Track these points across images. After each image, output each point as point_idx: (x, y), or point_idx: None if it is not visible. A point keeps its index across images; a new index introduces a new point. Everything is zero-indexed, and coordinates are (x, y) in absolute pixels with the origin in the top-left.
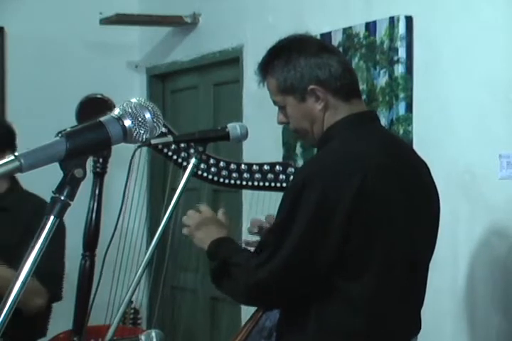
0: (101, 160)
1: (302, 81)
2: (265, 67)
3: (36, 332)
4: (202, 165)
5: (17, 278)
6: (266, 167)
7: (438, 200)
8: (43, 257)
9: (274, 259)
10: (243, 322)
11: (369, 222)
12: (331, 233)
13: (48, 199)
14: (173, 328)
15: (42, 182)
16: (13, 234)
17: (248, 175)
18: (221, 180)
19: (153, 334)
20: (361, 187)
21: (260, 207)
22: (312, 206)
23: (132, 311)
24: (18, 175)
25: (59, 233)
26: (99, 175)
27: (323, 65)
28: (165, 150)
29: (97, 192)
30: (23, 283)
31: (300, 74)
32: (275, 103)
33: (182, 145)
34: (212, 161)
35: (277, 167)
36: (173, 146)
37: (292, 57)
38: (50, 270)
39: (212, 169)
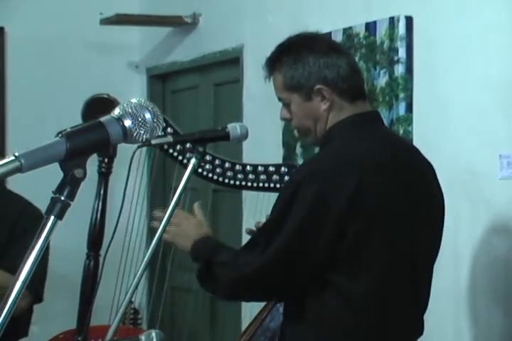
0: (106, 160)
1: (309, 80)
2: (273, 63)
3: (18, 332)
4: (207, 166)
5: (17, 278)
6: (271, 168)
7: (442, 200)
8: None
9: (264, 255)
10: (243, 322)
11: (366, 222)
12: (323, 232)
13: (48, 201)
14: (174, 328)
15: (42, 182)
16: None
17: (253, 176)
18: (226, 180)
19: (154, 334)
20: (358, 187)
21: (261, 207)
22: (307, 204)
23: (132, 311)
24: (18, 175)
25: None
26: (104, 175)
27: (331, 65)
28: (170, 151)
29: (101, 192)
30: (23, 283)
31: (308, 72)
32: (280, 99)
33: (188, 145)
34: (217, 162)
35: (282, 168)
36: (178, 147)
37: (302, 55)
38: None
39: (218, 170)
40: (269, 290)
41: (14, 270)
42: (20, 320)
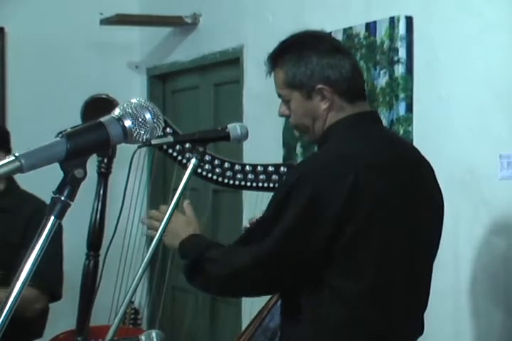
0: (105, 160)
1: (311, 79)
2: (275, 60)
3: (32, 332)
4: (207, 166)
5: (17, 278)
6: (270, 168)
7: (441, 199)
8: (41, 259)
9: (255, 252)
10: (243, 323)
11: (363, 222)
12: (319, 231)
13: (47, 200)
14: (173, 328)
15: (42, 182)
16: (13, 235)
17: (253, 176)
18: (225, 180)
19: (154, 334)
20: (354, 187)
21: (261, 207)
22: (302, 203)
23: (133, 311)
24: (19, 175)
25: (54, 233)
26: (104, 176)
27: (334, 66)
28: (169, 151)
29: (101, 192)
30: (24, 283)
31: (310, 71)
32: (280, 96)
33: (187, 145)
34: (217, 162)
35: (282, 168)
36: (177, 147)
37: (305, 54)
38: (45, 271)
39: (217, 170)
40: (260, 286)
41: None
42: (34, 321)
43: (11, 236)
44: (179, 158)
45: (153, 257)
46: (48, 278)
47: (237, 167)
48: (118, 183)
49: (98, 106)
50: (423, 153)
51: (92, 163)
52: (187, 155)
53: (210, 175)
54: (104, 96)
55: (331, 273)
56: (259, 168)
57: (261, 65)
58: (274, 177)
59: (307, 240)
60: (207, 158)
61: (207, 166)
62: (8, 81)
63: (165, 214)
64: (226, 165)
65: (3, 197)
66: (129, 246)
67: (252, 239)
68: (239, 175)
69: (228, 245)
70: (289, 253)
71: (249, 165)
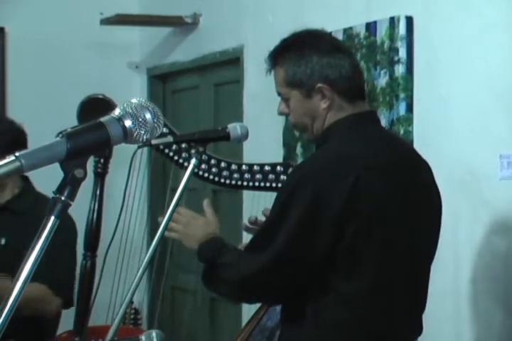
0: (102, 160)
1: (311, 78)
2: (276, 58)
3: (48, 332)
4: (203, 166)
5: (17, 279)
6: (267, 167)
7: (439, 200)
8: (55, 264)
9: (264, 257)
10: (243, 323)
11: (363, 222)
12: (322, 231)
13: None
14: (174, 328)
15: (43, 182)
16: (28, 238)
17: (249, 176)
18: (222, 180)
19: (154, 334)
20: (355, 188)
21: (260, 207)
22: (304, 205)
23: (133, 311)
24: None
25: (72, 238)
26: (101, 176)
27: (334, 65)
28: (166, 151)
29: (98, 192)
30: (24, 283)
31: (310, 71)
32: (279, 94)
33: (183, 145)
34: (213, 162)
35: (278, 167)
36: (174, 147)
37: (305, 53)
38: (61, 277)
39: (214, 169)
40: (270, 291)
41: (35, 275)
42: (46, 322)
43: (26, 240)
44: (175, 157)
45: (153, 257)
46: (63, 282)
47: (233, 166)
48: (116, 183)
49: (94, 106)
50: (423, 153)
51: (89, 163)
52: (183, 154)
53: (206, 174)
54: (100, 96)
55: (336, 277)
56: (255, 167)
57: (261, 65)
58: (271, 176)
59: (312, 242)
60: (203, 157)
61: (203, 166)
62: (8, 81)
63: (185, 217)
64: (222, 164)
65: (18, 200)
66: (126, 246)
67: (258, 244)
68: (235, 175)
69: (241, 251)
70: (294, 256)
71: (246, 164)
